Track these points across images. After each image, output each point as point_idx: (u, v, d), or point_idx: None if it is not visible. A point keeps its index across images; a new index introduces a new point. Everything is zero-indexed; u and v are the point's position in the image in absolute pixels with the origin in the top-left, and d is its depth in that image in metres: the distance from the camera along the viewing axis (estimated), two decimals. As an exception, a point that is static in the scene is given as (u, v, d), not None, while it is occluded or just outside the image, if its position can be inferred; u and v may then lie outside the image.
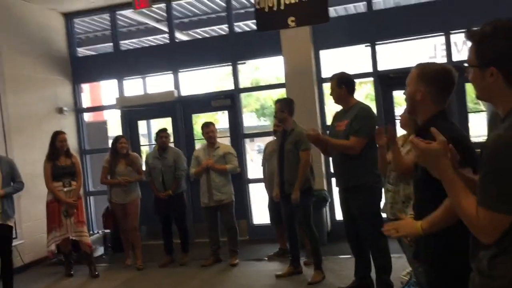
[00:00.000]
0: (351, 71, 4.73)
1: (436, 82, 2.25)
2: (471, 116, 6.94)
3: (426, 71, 2.28)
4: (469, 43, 1.68)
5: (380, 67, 6.88)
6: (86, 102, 10.00)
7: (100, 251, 7.06)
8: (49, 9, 7.70)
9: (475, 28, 1.67)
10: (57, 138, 5.97)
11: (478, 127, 7.79)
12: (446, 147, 1.69)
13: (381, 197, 4.25)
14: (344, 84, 4.36)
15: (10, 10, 6.88)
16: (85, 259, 6.20)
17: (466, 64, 1.74)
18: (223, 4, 7.69)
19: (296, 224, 5.22)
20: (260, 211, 7.79)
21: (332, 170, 6.73)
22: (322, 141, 4.30)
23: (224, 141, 6.96)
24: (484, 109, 7.69)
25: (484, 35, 1.63)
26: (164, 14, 7.93)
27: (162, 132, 6.38)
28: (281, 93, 13.69)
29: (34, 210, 6.77)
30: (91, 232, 7.36)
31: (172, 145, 6.91)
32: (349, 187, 4.29)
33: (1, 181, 5.21)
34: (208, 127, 6.10)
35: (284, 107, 5.11)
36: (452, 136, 1.93)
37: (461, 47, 7.62)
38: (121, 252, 6.77)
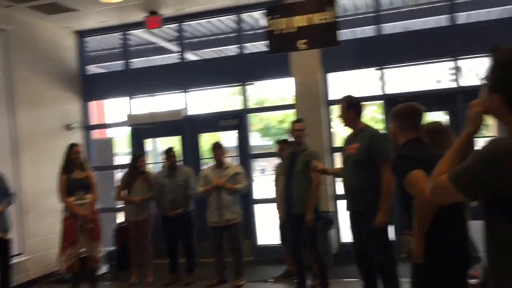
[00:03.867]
0: (358, 94, 4.77)
1: (400, 117, 2.99)
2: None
3: (394, 111, 3.05)
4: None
5: (388, 91, 6.94)
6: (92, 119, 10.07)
7: (103, 269, 7.02)
8: (63, 28, 7.82)
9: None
10: (73, 150, 5.95)
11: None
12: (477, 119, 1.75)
13: (391, 221, 4.27)
14: (352, 106, 4.40)
15: (25, 28, 6.99)
16: (89, 276, 6.16)
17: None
18: (234, 25, 7.80)
19: (303, 246, 5.21)
20: (264, 232, 7.77)
21: (338, 192, 6.78)
22: (331, 173, 4.48)
23: (230, 161, 6.97)
24: (490, 134, 7.70)
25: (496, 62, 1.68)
26: (175, 33, 8.04)
27: (171, 152, 6.41)
28: (286, 114, 13.71)
29: (40, 226, 6.79)
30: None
31: (180, 163, 6.92)
32: (360, 210, 4.29)
33: None
34: (220, 149, 6.12)
35: (305, 127, 5.15)
36: (402, 153, 2.86)
37: (468, 72, 7.70)
38: (125, 271, 6.75)
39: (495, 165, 1.55)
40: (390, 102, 6.81)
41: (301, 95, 7.00)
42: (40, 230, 6.80)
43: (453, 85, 6.70)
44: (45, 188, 6.65)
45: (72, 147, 6.02)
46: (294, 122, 5.35)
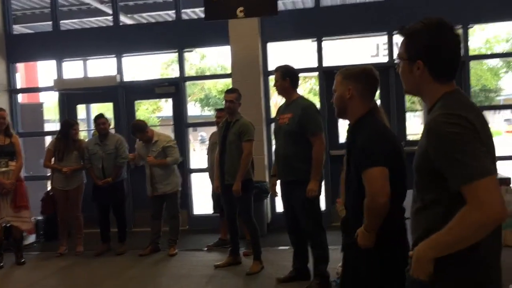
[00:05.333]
0: (296, 65, 4.77)
1: (361, 79, 2.51)
2: (408, 115, 7.22)
3: (350, 72, 2.55)
4: (401, 38, 1.78)
5: (326, 63, 7.00)
6: (21, 83, 9.52)
7: (31, 239, 6.76)
8: (-17, -18, 7.24)
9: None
10: None
11: (414, 125, 8.14)
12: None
13: (321, 192, 4.37)
14: (288, 76, 4.40)
15: None
16: (14, 246, 5.92)
17: (396, 60, 1.85)
18: (171, -11, 7.54)
19: (237, 215, 5.24)
20: (200, 201, 7.76)
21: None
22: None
23: (167, 130, 6.84)
24: (420, 108, 8.02)
25: (413, 30, 1.73)
26: (109, -5, 7.66)
27: (99, 119, 6.17)
28: (226, 83, 13.65)
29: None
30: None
31: (113, 131, 6.72)
32: (291, 180, 4.35)
33: None
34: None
35: (238, 98, 5.09)
36: (379, 132, 2.40)
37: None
38: (54, 241, 6.54)
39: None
40: (327, 74, 6.90)
41: (239, 65, 6.92)
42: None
43: (387, 60, 6.86)
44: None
45: None
46: (226, 92, 5.28)
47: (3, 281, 5.40)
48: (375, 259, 2.40)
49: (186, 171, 7.25)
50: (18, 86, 8.07)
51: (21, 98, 8.34)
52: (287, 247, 5.40)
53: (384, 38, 7.05)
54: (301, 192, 4.23)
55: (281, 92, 4.46)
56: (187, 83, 7.73)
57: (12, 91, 7.74)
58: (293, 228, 4.53)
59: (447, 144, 1.56)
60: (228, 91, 5.22)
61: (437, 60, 1.69)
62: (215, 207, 6.19)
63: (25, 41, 7.80)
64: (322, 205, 4.76)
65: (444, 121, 1.58)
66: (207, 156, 6.18)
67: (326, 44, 7.08)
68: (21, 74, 10.38)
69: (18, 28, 8.27)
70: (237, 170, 4.95)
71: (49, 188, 6.93)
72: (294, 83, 4.45)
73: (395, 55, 6.80)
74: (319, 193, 4.34)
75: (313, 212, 4.32)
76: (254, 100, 6.79)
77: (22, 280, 5.41)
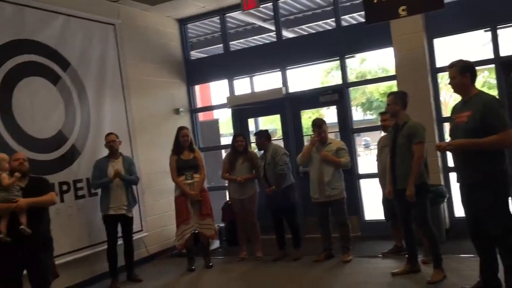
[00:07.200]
0: (469, 59, 4.43)
1: None
2: None
3: None
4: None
5: (503, 53, 6.37)
6: (198, 103, 10.52)
7: (215, 244, 7.39)
8: (166, 16, 8.21)
9: None
10: (180, 133, 6.32)
11: None
12: None
13: (509, 193, 3.97)
14: (468, 71, 4.09)
15: (132, 20, 7.43)
16: (202, 251, 6.53)
17: None
18: (329, -1, 7.63)
19: (412, 221, 5.04)
20: (371, 207, 7.64)
21: (450, 164, 6.42)
22: (456, 146, 4.05)
23: (331, 136, 6.90)
24: None
25: None
26: (271, 13, 8.07)
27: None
28: (389, 85, 13.21)
29: (156, 205, 7.30)
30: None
31: (281, 142, 7.03)
32: (474, 182, 4.03)
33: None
34: (320, 127, 6.05)
35: (397, 100, 4.95)
36: None
37: None
38: (235, 246, 7.03)
39: None
40: (505, 65, 6.27)
41: (404, 65, 6.69)
42: (156, 208, 7.31)
43: None
44: (158, 170, 7.12)
45: (180, 130, 6.37)
46: (388, 96, 5.16)
47: (196, 283, 5.99)
48: None
49: (354, 176, 7.22)
50: (197, 106, 8.93)
51: (199, 116, 9.20)
52: (470, 255, 5.03)
53: None
54: (487, 194, 3.90)
55: (459, 89, 4.16)
56: (350, 89, 7.72)
57: (193, 111, 8.62)
58: (477, 234, 4.19)
59: None
60: (389, 95, 5.14)
61: None
62: (386, 214, 6.02)
63: (200, 65, 8.63)
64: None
65: None
66: (376, 161, 6.06)
67: (502, 32, 6.44)
68: (197, 95, 11.49)
69: (194, 54, 9.17)
70: (408, 174, 4.77)
71: (227, 197, 7.52)
72: (473, 77, 4.13)
73: None
74: (507, 194, 3.95)
75: (502, 215, 3.94)
76: (422, 100, 6.49)
77: (211, 282, 5.94)
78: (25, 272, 4.41)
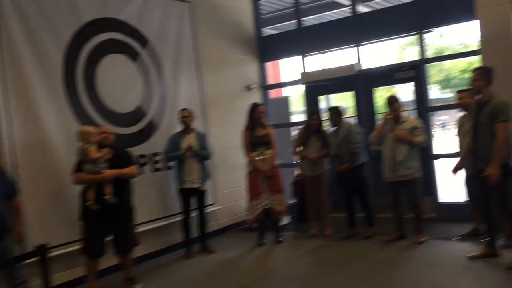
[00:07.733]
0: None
1: None
2: None
3: None
4: None
5: None
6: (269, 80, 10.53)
7: (286, 220, 7.46)
8: (239, -7, 8.24)
9: None
10: (257, 110, 6.40)
11: None
12: None
13: None
14: None
15: (206, -1, 7.54)
16: (272, 226, 6.63)
17: None
18: (408, -30, 7.30)
19: (493, 203, 4.81)
20: (447, 188, 7.35)
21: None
22: None
23: (408, 115, 6.68)
24: None
25: None
26: (346, -14, 7.86)
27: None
28: (469, 62, 12.52)
29: (228, 179, 7.47)
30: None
31: (352, 120, 6.90)
32: None
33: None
34: (393, 104, 5.89)
35: (482, 76, 4.69)
36: None
37: None
38: (304, 222, 7.06)
39: None
40: None
41: (489, 39, 6.28)
42: (229, 183, 7.48)
43: None
44: (230, 145, 7.25)
45: (256, 106, 6.43)
46: (473, 71, 4.88)
47: (266, 257, 6.12)
48: None
49: (429, 157, 6.97)
50: (268, 83, 8.95)
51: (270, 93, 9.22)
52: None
53: None
54: None
55: None
56: (427, 65, 7.39)
57: (265, 88, 8.66)
58: None
59: None
60: (473, 70, 4.87)
61: None
62: (469, 195, 5.77)
63: (272, 42, 8.60)
64: None
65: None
66: (458, 141, 5.80)
67: None
68: (268, 72, 11.51)
69: (266, 30, 9.16)
70: (491, 155, 4.55)
71: (296, 173, 7.55)
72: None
73: None
74: None
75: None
76: (509, 77, 6.09)
77: (281, 256, 6.04)
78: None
